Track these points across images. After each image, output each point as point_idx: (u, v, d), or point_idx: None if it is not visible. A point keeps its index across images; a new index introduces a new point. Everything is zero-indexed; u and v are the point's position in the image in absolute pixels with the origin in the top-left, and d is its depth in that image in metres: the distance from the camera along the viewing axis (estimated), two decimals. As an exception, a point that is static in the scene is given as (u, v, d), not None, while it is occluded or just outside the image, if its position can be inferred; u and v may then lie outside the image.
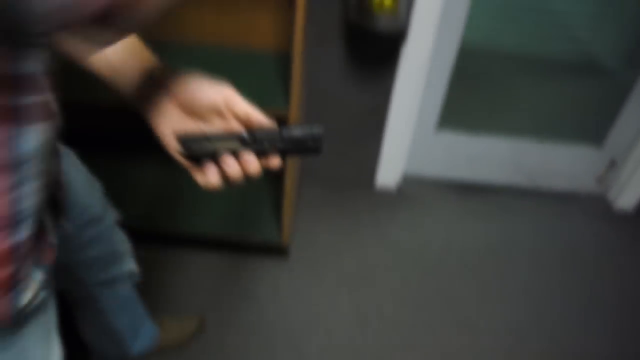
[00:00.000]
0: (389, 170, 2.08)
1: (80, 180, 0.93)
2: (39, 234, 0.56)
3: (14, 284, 0.51)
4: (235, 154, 0.54)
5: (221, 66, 1.60)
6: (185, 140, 0.54)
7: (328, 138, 2.00)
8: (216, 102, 0.56)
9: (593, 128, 2.09)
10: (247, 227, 1.73)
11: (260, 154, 0.55)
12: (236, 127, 0.57)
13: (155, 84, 0.59)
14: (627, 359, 1.61)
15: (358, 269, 1.79)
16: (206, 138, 0.54)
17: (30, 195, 0.48)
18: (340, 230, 1.93)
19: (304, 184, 2.07)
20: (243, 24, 1.66)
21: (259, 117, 0.56)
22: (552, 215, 2.11)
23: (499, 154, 2.13)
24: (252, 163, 0.54)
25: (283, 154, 0.56)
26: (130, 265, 1.16)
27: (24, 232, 0.50)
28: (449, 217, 2.04)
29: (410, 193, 2.12)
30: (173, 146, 0.56)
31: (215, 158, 0.54)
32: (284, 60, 1.61)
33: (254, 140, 0.54)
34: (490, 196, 2.16)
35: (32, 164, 0.46)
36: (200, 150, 0.54)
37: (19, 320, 0.56)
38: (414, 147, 2.08)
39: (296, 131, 0.55)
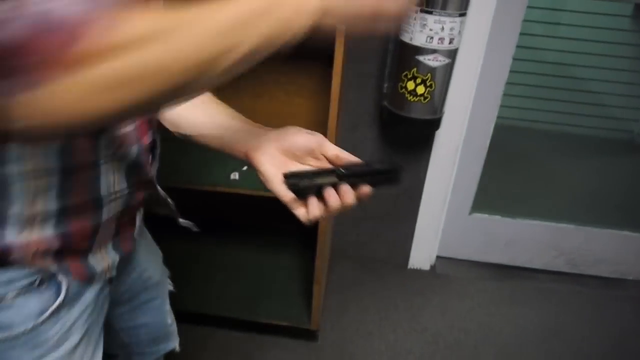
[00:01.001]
0: (422, 251, 2.05)
1: (143, 244, 0.93)
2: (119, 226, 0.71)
3: (92, 246, 0.67)
4: (334, 187, 0.63)
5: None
6: (291, 177, 0.63)
7: (360, 219, 1.99)
8: (311, 145, 0.67)
9: (637, 212, 2.02)
10: (276, 311, 1.71)
11: (353, 186, 0.63)
12: (328, 166, 0.67)
13: (261, 133, 0.69)
14: None
15: (387, 354, 1.73)
16: (309, 175, 0.64)
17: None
18: (371, 312, 1.88)
19: (335, 262, 2.05)
20: (278, 110, 1.72)
21: (346, 155, 0.66)
22: (597, 301, 2.01)
23: (537, 238, 2.07)
24: (349, 193, 0.63)
25: (372, 185, 0.64)
26: (175, 343, 1.13)
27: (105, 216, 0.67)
28: (485, 301, 1.97)
29: (445, 274, 2.07)
30: (277, 182, 0.64)
31: (316, 192, 0.63)
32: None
33: (348, 174, 0.63)
34: (529, 279, 2.08)
35: None
36: (305, 185, 0.63)
37: (91, 279, 0.70)
38: (448, 229, 2.05)
39: (380, 165, 0.66)
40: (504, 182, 2.06)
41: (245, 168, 1.55)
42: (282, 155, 0.67)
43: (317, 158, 0.68)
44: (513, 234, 2.07)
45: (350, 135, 1.78)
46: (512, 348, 1.79)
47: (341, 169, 0.64)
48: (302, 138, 0.67)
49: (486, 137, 1.85)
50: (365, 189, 0.64)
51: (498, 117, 1.82)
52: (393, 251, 2.06)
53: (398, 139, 1.79)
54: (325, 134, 1.51)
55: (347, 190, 0.63)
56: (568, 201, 2.05)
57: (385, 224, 1.98)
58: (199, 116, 0.74)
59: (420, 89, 1.50)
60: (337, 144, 1.57)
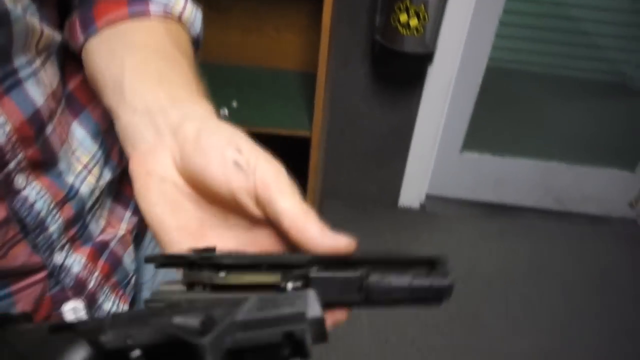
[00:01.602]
0: (413, 189, 2.06)
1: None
2: None
3: None
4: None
5: (245, 87, 1.61)
6: (195, 265, 0.32)
7: (351, 157, 1.99)
8: (239, 190, 0.32)
9: (625, 151, 2.03)
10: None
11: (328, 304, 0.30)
12: (273, 245, 0.35)
13: (177, 125, 0.36)
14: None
15: (379, 289, 1.78)
16: (236, 266, 0.31)
17: None
18: (361, 249, 1.91)
19: (326, 201, 2.06)
20: (268, 45, 1.68)
21: (325, 239, 0.31)
22: (582, 238, 2.06)
23: (527, 176, 2.08)
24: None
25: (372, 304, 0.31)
26: None
27: None
28: (474, 238, 2.01)
29: (434, 213, 2.10)
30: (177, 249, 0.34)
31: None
32: (309, 81, 1.62)
33: (324, 284, 0.30)
34: (517, 217, 2.12)
35: None
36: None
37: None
38: (439, 167, 2.06)
39: (411, 275, 0.31)
40: (495, 122, 2.05)
41: (235, 105, 1.52)
42: (188, 190, 0.35)
43: (253, 222, 0.34)
44: (503, 173, 2.08)
45: (341, 71, 1.74)
46: (499, 281, 1.84)
47: (313, 268, 0.30)
48: (224, 171, 0.32)
49: (478, 74, 1.82)
50: (341, 314, 0.32)
51: (491, 59, 1.79)
52: (383, 190, 2.07)
53: (390, 74, 1.76)
54: (315, 70, 1.48)
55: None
56: (558, 141, 2.06)
57: (376, 163, 1.98)
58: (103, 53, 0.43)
59: (413, 22, 1.46)
60: (327, 81, 1.51)
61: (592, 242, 2.05)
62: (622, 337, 1.69)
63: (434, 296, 0.31)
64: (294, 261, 0.31)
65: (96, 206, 0.52)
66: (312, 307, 0.27)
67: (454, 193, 2.15)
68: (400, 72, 1.75)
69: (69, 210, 0.46)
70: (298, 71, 1.70)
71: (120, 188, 0.57)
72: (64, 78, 0.47)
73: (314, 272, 0.30)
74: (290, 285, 0.30)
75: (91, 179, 0.49)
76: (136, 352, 0.27)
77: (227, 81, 1.64)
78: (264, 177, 0.31)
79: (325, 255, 0.31)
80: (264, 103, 1.55)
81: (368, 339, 1.63)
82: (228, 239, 0.35)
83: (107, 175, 0.52)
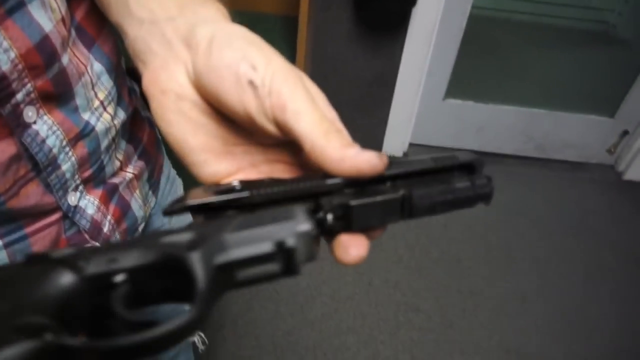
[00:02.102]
0: (396, 138, 2.07)
1: None
2: None
3: None
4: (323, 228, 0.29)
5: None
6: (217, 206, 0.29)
7: (334, 104, 1.97)
8: (250, 108, 0.30)
9: (605, 98, 2.05)
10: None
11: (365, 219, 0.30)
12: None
13: (192, 39, 0.32)
14: (630, 324, 1.62)
15: (363, 236, 1.80)
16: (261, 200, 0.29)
17: None
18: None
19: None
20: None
21: (359, 158, 0.28)
22: (561, 184, 2.10)
23: (508, 123, 2.10)
24: (353, 247, 0.29)
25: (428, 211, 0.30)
26: None
27: None
28: (455, 186, 2.03)
29: (418, 161, 2.11)
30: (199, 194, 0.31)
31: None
32: (290, 25, 1.59)
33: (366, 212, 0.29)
34: (498, 164, 2.14)
35: None
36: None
37: None
38: (422, 115, 2.06)
39: (455, 179, 0.31)
40: (478, 69, 2.04)
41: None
42: (207, 107, 0.32)
43: (280, 138, 0.31)
44: (485, 120, 2.09)
45: (324, 15, 1.71)
46: (479, 226, 1.88)
47: (349, 193, 0.29)
48: (237, 91, 0.29)
49: (463, 19, 1.80)
50: (380, 231, 0.31)
51: (475, 7, 1.77)
52: (366, 138, 2.08)
53: (373, 18, 1.73)
54: (297, 14, 1.46)
55: (351, 242, 0.29)
56: (540, 88, 2.07)
57: (360, 111, 1.98)
58: None
59: (397, -37, 1.43)
60: (309, 24, 1.49)
61: (571, 188, 2.10)
62: (598, 279, 1.76)
63: (479, 198, 0.32)
64: (328, 187, 0.29)
65: (112, 146, 0.49)
66: (301, 221, 0.27)
67: (436, 141, 2.16)
68: (383, 17, 1.72)
69: (82, 148, 0.45)
70: (279, 15, 1.66)
71: (132, 129, 0.55)
72: (71, 7, 0.43)
73: (354, 200, 0.28)
74: (330, 217, 0.28)
75: (107, 117, 0.47)
76: (120, 277, 0.25)
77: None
78: (279, 97, 0.29)
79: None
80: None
81: (352, 282, 1.66)
82: (256, 154, 0.34)
83: (121, 115, 0.50)
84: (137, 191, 0.56)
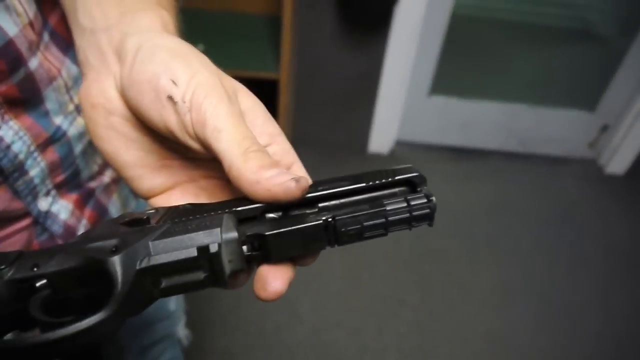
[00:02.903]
0: (382, 135, 2.09)
1: None
2: None
3: None
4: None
5: (210, 30, 1.59)
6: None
7: (320, 102, 2.00)
8: (170, 124, 0.29)
9: (586, 93, 2.09)
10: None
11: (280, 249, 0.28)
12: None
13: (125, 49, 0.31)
14: (612, 314, 1.66)
15: (350, 232, 1.82)
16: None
17: None
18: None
19: (295, 148, 2.07)
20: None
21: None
22: (543, 178, 2.14)
23: (492, 119, 2.13)
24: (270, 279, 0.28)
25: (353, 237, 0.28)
26: None
27: None
28: (441, 180, 2.06)
29: (403, 157, 2.14)
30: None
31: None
32: (274, 24, 1.61)
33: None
34: (482, 160, 2.18)
35: None
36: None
37: None
38: (407, 112, 2.08)
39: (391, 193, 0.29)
40: (461, 66, 2.07)
41: (201, 48, 1.50)
42: (139, 123, 0.32)
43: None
44: (469, 116, 2.12)
45: (308, 13, 1.73)
46: (464, 220, 1.91)
47: (268, 219, 0.28)
48: (156, 107, 0.29)
49: (445, 16, 1.83)
50: (311, 260, 0.30)
51: (457, 6, 1.80)
52: (352, 136, 2.10)
53: (357, 17, 1.75)
54: (280, 14, 1.47)
55: (269, 275, 0.28)
56: (522, 84, 2.10)
57: (345, 109, 2.00)
58: None
59: (379, -38, 1.45)
60: (293, 23, 1.49)
61: (553, 182, 2.13)
62: (581, 271, 1.79)
63: (417, 220, 0.29)
64: (245, 213, 0.28)
65: (89, 151, 0.48)
66: (227, 228, 0.26)
67: (421, 138, 2.19)
68: (367, 15, 1.74)
69: (53, 153, 0.43)
70: (264, 15, 1.68)
71: None
72: (43, 13, 0.43)
73: (270, 228, 0.27)
74: (245, 249, 0.27)
75: (81, 121, 0.45)
76: (42, 281, 0.26)
77: (193, 25, 1.61)
78: (199, 113, 0.27)
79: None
80: (231, 47, 1.53)
81: (340, 277, 1.68)
82: (195, 169, 0.33)
83: None
84: (115, 195, 0.54)
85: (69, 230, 0.46)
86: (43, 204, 0.43)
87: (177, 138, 0.29)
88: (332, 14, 1.73)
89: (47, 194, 0.44)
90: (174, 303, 0.80)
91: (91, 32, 0.33)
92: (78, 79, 0.45)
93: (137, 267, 0.25)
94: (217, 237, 0.26)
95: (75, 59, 0.45)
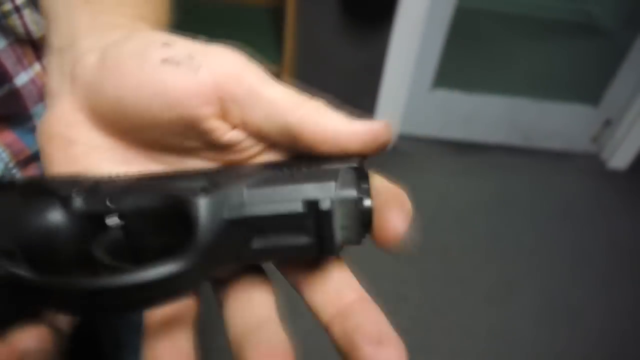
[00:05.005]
0: (384, 129, 2.07)
1: None
2: None
3: None
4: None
5: (212, 21, 1.57)
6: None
7: (322, 95, 1.98)
8: (166, 98, 0.22)
9: (589, 88, 2.08)
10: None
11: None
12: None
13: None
14: (614, 310, 1.66)
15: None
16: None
17: None
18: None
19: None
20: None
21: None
22: (546, 173, 2.13)
23: (495, 113, 2.12)
24: None
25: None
26: None
27: None
28: (443, 175, 2.05)
29: (405, 151, 2.13)
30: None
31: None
32: (276, 15, 1.58)
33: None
34: (485, 154, 2.16)
35: None
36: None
37: None
38: (410, 105, 2.06)
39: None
40: (464, 60, 2.05)
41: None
42: (107, 144, 0.26)
43: (185, 152, 0.25)
44: (472, 110, 2.11)
45: (311, 5, 1.70)
46: (466, 215, 1.90)
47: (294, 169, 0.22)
48: (150, 80, 0.22)
49: (449, 10, 1.81)
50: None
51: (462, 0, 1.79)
52: (354, 130, 2.08)
53: (360, 9, 1.73)
54: (283, 5, 1.45)
55: None
56: (525, 78, 2.09)
57: (347, 102, 1.97)
58: None
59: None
60: (296, 17, 1.47)
61: (556, 176, 2.12)
62: (583, 266, 1.79)
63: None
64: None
65: None
66: (344, 184, 0.21)
67: (423, 131, 2.17)
68: (370, 7, 1.72)
69: (35, 171, 0.40)
70: (266, 6, 1.66)
71: None
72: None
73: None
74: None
75: None
76: (114, 219, 0.21)
77: (193, 16, 1.59)
78: (223, 63, 0.22)
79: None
80: (233, 38, 1.51)
81: (342, 273, 1.67)
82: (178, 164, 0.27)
83: None
84: None
85: None
86: None
87: (182, 119, 0.22)
88: (335, 5, 1.71)
89: None
90: None
91: (57, 49, 0.27)
92: None
93: (227, 217, 0.20)
94: (330, 192, 0.20)
95: None
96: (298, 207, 0.20)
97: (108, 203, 0.21)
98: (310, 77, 1.89)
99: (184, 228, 0.20)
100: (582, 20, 1.98)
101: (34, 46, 0.37)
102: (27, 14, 0.34)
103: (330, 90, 1.94)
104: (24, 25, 0.34)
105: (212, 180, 0.21)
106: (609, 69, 2.00)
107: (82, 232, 0.21)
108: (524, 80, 2.08)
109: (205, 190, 0.20)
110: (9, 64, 0.35)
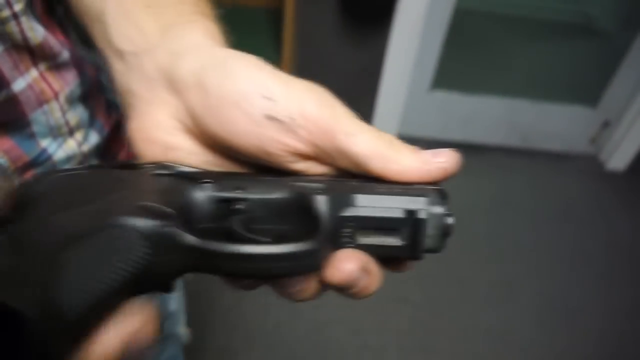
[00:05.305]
0: (383, 130, 2.06)
1: None
2: None
3: None
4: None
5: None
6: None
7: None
8: (266, 147, 0.26)
9: (588, 89, 2.08)
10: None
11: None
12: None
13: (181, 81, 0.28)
14: (613, 311, 1.66)
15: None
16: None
17: None
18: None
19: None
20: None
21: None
22: (544, 174, 2.13)
23: (493, 114, 2.12)
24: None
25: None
26: None
27: None
28: (441, 177, 2.05)
29: (404, 153, 2.13)
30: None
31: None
32: (275, 16, 1.59)
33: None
34: (483, 155, 2.17)
35: None
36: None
37: None
38: (408, 107, 2.07)
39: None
40: (463, 61, 2.06)
41: None
42: (203, 153, 0.29)
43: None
44: (470, 111, 2.11)
45: (309, 8, 1.71)
46: (465, 216, 1.90)
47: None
48: (254, 129, 0.26)
49: (448, 11, 1.81)
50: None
51: (461, 0, 1.78)
52: (353, 131, 2.08)
53: (359, 11, 1.73)
54: (280, 6, 1.45)
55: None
56: (524, 79, 2.09)
57: (346, 103, 1.97)
58: None
59: (382, -45, 1.43)
60: (295, 18, 1.48)
61: (554, 177, 2.12)
62: (581, 267, 1.79)
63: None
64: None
65: None
66: (435, 200, 0.26)
67: (422, 132, 2.17)
68: (368, 6, 1.72)
69: None
70: (265, 7, 1.66)
71: (108, 145, 0.49)
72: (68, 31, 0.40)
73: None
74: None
75: (71, 144, 0.42)
76: (242, 204, 0.25)
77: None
78: (319, 124, 0.25)
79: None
80: (231, 39, 1.51)
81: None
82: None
83: (93, 139, 0.45)
84: None
85: None
86: None
87: (275, 158, 0.26)
88: (334, 7, 1.71)
89: None
90: (175, 303, 0.78)
91: (132, 55, 0.29)
92: (74, 100, 0.42)
93: (340, 214, 0.25)
94: (425, 205, 0.25)
95: (80, 77, 0.42)
96: (399, 214, 0.25)
97: (238, 191, 0.25)
98: (309, 78, 1.89)
99: (302, 218, 0.25)
100: (581, 21, 1.99)
101: (30, 52, 0.37)
102: (25, 21, 0.34)
103: (329, 91, 1.94)
104: (22, 31, 0.34)
105: (327, 184, 0.26)
106: (607, 70, 2.00)
107: (213, 214, 0.25)
108: (522, 82, 2.09)
109: (325, 191, 0.25)
110: (6, 69, 0.35)
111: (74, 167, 0.29)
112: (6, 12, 0.33)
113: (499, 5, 1.91)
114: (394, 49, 1.80)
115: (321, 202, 0.25)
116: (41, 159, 0.40)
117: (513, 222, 1.91)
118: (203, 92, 0.26)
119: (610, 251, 1.85)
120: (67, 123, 0.41)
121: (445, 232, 0.27)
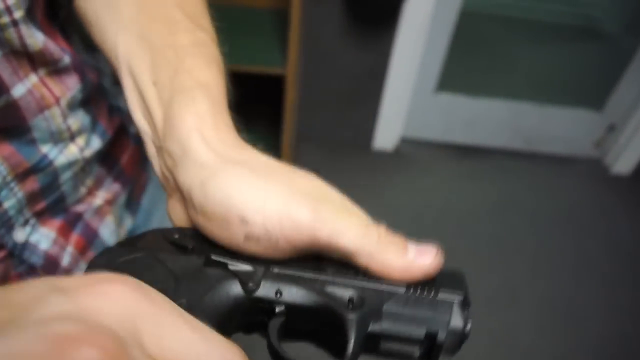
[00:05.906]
0: (387, 132, 2.08)
1: None
2: None
3: None
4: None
5: (216, 24, 1.57)
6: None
7: (325, 98, 1.99)
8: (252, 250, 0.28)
9: (593, 92, 2.08)
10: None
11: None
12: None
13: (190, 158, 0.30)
14: (616, 315, 1.65)
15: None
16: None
17: None
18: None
19: (301, 144, 2.07)
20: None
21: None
22: (548, 178, 2.13)
23: (498, 117, 2.12)
24: None
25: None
26: None
27: None
28: (446, 179, 2.05)
29: (408, 155, 2.13)
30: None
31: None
32: (281, 18, 1.59)
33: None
34: (487, 158, 2.16)
35: None
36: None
37: None
38: (413, 109, 2.07)
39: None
40: (468, 63, 2.06)
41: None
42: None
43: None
44: (475, 114, 2.11)
45: (315, 10, 1.71)
46: (469, 219, 1.90)
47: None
48: (237, 239, 0.28)
49: (454, 13, 1.81)
50: None
51: (466, 2, 1.79)
52: (358, 132, 2.08)
53: (365, 13, 1.73)
54: (287, 7, 1.45)
55: None
56: (529, 82, 2.09)
57: (351, 105, 1.98)
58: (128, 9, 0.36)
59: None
60: (301, 20, 1.47)
61: (558, 181, 2.12)
62: (586, 271, 1.78)
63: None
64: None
65: (77, 176, 0.44)
66: (456, 317, 0.29)
67: (426, 135, 2.18)
68: (374, 11, 1.72)
69: (34, 183, 0.40)
70: (269, 9, 1.66)
71: (111, 150, 0.48)
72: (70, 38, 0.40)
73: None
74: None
75: (73, 149, 0.42)
76: (281, 307, 0.28)
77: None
78: (299, 228, 0.27)
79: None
80: (237, 41, 1.52)
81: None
82: None
83: (95, 144, 0.44)
84: (109, 216, 0.49)
85: (51, 260, 0.43)
86: (20, 235, 0.40)
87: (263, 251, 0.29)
88: (340, 9, 1.71)
89: (25, 223, 0.40)
90: None
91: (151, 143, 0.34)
92: (75, 105, 0.41)
93: (369, 330, 0.27)
94: (445, 325, 0.28)
95: (84, 83, 0.42)
96: (421, 335, 0.27)
97: (278, 296, 0.28)
98: (315, 80, 1.90)
99: (334, 325, 0.27)
100: (586, 24, 1.98)
101: (30, 58, 0.36)
102: (24, 28, 0.34)
103: (334, 93, 1.95)
104: (20, 38, 0.34)
105: (359, 293, 0.28)
106: (612, 74, 2.00)
107: (253, 312, 0.29)
108: (527, 85, 2.08)
109: (353, 305, 0.27)
110: (5, 74, 0.35)
111: (125, 249, 0.30)
112: (5, 19, 0.32)
113: (504, 8, 1.91)
114: (400, 51, 1.80)
115: (351, 322, 0.27)
116: (42, 165, 0.40)
117: (516, 225, 1.91)
118: (192, 208, 0.30)
119: (614, 255, 1.84)
120: (68, 128, 0.41)
121: (462, 340, 0.29)
